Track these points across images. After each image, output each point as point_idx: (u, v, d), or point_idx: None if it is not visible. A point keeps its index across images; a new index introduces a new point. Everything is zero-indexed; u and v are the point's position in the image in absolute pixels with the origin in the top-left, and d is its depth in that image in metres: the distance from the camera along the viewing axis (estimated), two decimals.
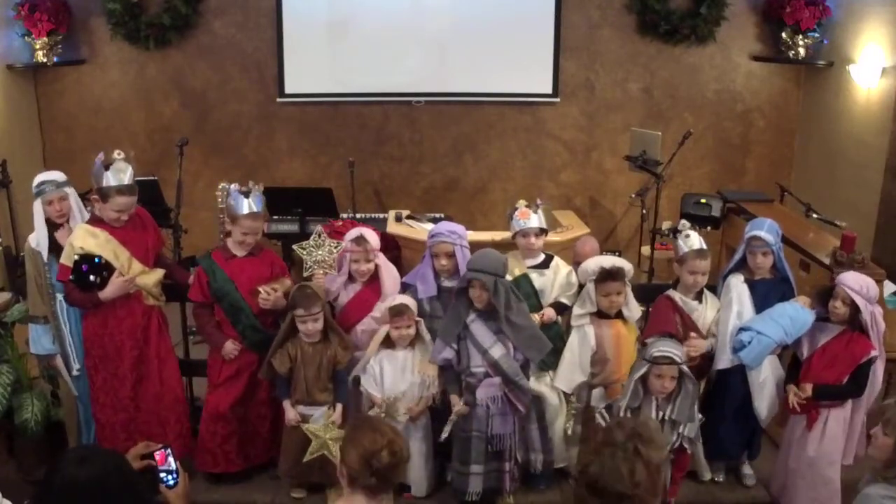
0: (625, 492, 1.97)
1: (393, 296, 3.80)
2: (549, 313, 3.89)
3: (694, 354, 3.71)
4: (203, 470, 3.94)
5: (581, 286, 3.90)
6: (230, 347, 3.81)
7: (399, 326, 3.69)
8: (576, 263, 4.20)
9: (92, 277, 3.60)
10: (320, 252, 3.81)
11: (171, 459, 2.52)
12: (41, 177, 3.83)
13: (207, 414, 3.89)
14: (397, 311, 3.68)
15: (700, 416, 3.44)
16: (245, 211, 3.73)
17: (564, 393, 3.89)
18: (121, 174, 3.63)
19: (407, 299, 3.74)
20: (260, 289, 3.76)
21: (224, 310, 3.82)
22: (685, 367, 3.38)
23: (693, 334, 3.76)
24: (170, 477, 2.50)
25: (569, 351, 3.85)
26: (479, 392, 3.61)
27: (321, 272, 3.82)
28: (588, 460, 2.05)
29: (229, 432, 3.89)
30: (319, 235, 3.81)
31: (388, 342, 3.76)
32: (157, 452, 2.52)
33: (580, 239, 4.76)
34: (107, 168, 3.62)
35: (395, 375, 3.71)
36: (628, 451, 2.00)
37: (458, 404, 3.62)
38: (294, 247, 3.88)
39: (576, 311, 3.86)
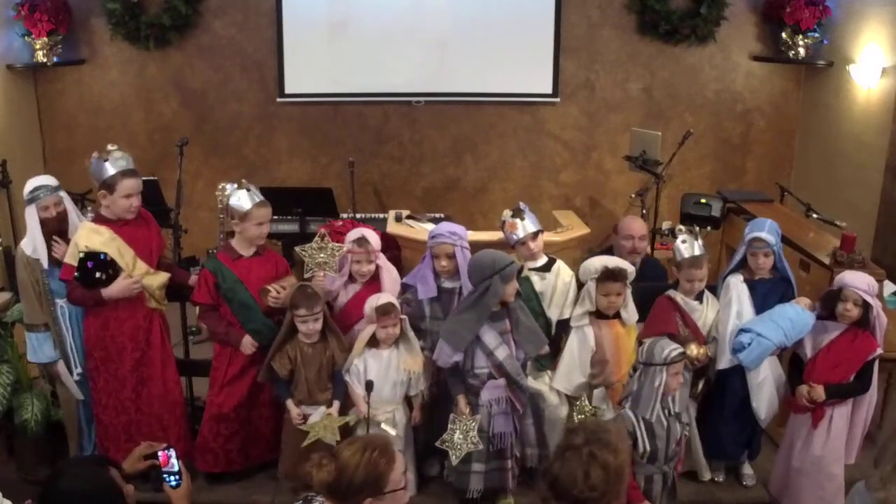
0: (579, 496, 1.99)
1: (377, 295, 3.77)
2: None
3: (700, 364, 3.76)
4: (205, 470, 3.94)
5: (580, 286, 3.90)
6: (248, 341, 3.79)
7: (386, 326, 3.67)
8: (624, 237, 4.29)
9: (98, 274, 3.59)
10: (322, 255, 3.80)
11: (174, 460, 2.52)
12: (34, 182, 3.77)
13: (211, 414, 3.89)
14: (384, 311, 3.66)
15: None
16: (250, 204, 3.74)
17: (569, 396, 3.88)
18: (121, 161, 3.66)
19: (392, 298, 3.73)
20: (269, 287, 3.76)
21: (234, 311, 3.80)
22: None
23: (693, 346, 3.77)
24: (173, 478, 2.50)
25: (568, 351, 3.85)
26: (484, 394, 3.60)
27: (321, 273, 3.82)
28: (551, 462, 2.08)
29: (232, 432, 3.89)
30: (322, 238, 3.80)
31: (372, 341, 3.74)
32: (161, 453, 2.53)
33: (627, 216, 4.73)
34: (105, 161, 3.64)
35: (380, 374, 3.70)
36: (583, 454, 2.02)
37: (466, 407, 3.59)
38: (296, 249, 3.87)
39: (575, 311, 3.86)
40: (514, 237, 3.90)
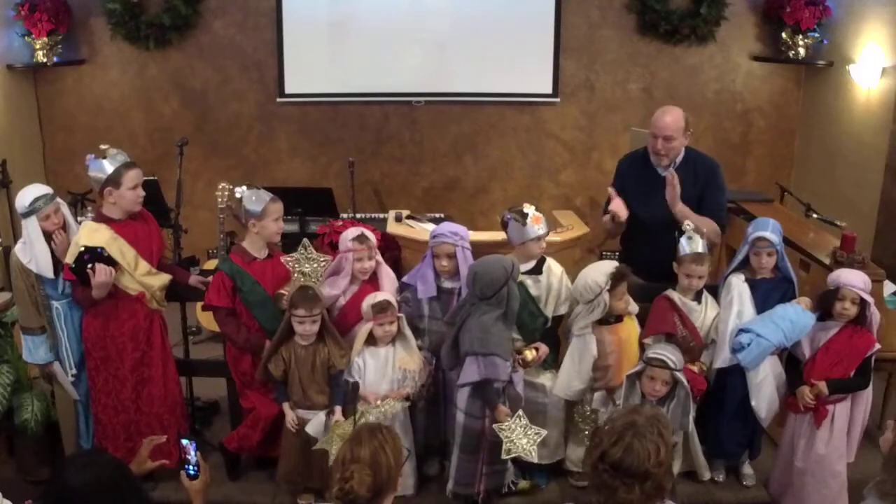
0: (649, 469, 2.12)
1: (375, 293, 3.76)
2: (543, 350, 3.82)
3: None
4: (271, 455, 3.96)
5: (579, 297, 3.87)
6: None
7: (383, 323, 3.67)
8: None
9: (88, 266, 3.53)
10: (308, 265, 3.76)
11: (193, 453, 2.67)
12: (32, 193, 3.68)
13: (264, 422, 3.88)
14: (381, 308, 3.65)
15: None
16: (265, 201, 3.75)
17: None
18: (119, 156, 3.68)
19: (389, 296, 3.73)
20: (283, 292, 3.76)
21: (254, 313, 3.79)
22: (679, 375, 3.38)
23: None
24: (191, 467, 2.66)
25: (569, 359, 3.83)
26: (520, 388, 3.63)
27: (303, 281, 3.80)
28: (608, 445, 2.16)
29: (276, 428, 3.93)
30: (306, 248, 3.75)
31: (371, 339, 3.73)
32: (185, 441, 2.70)
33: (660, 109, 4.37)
34: (103, 159, 3.66)
35: (377, 371, 3.71)
36: (653, 433, 2.15)
37: (508, 414, 3.47)
38: (282, 258, 3.82)
39: (581, 320, 3.80)
40: (535, 231, 3.79)
